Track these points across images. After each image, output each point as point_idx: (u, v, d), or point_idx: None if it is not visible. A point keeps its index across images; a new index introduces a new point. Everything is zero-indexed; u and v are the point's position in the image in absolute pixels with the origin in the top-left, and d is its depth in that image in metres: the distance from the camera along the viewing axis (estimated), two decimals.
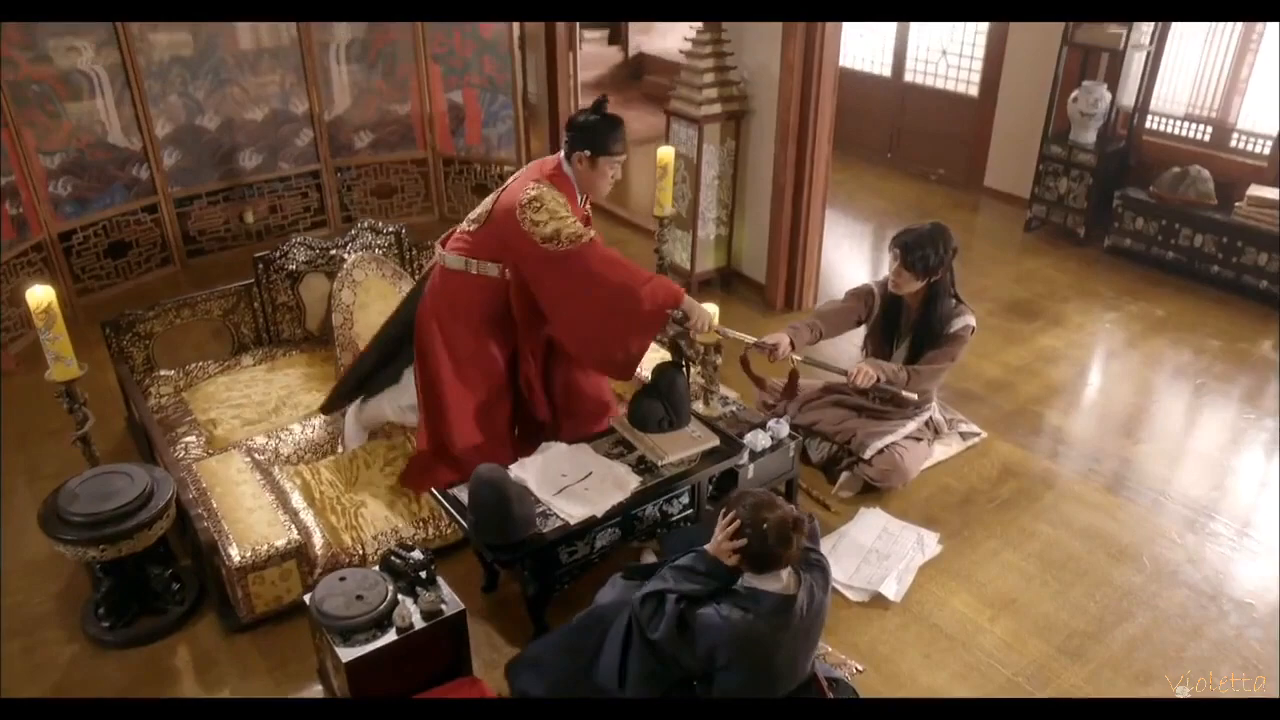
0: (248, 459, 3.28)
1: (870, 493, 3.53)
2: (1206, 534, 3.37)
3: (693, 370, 3.46)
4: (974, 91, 6.38)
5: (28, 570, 3.19)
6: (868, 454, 3.44)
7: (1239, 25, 5.05)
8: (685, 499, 3.06)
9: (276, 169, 5.46)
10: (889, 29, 6.81)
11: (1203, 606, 3.04)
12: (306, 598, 2.65)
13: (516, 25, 5.87)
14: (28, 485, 3.60)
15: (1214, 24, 5.13)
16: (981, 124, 6.30)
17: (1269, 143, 5.03)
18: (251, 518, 2.97)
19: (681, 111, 4.75)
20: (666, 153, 3.94)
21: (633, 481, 2.95)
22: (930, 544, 3.30)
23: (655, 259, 4.28)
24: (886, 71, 6.94)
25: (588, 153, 2.97)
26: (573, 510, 2.82)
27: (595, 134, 2.96)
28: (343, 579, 2.66)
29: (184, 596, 3.01)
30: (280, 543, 2.88)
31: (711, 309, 3.35)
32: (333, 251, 4.11)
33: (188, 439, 3.52)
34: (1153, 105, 5.44)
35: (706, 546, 2.36)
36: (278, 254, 4.03)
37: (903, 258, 3.33)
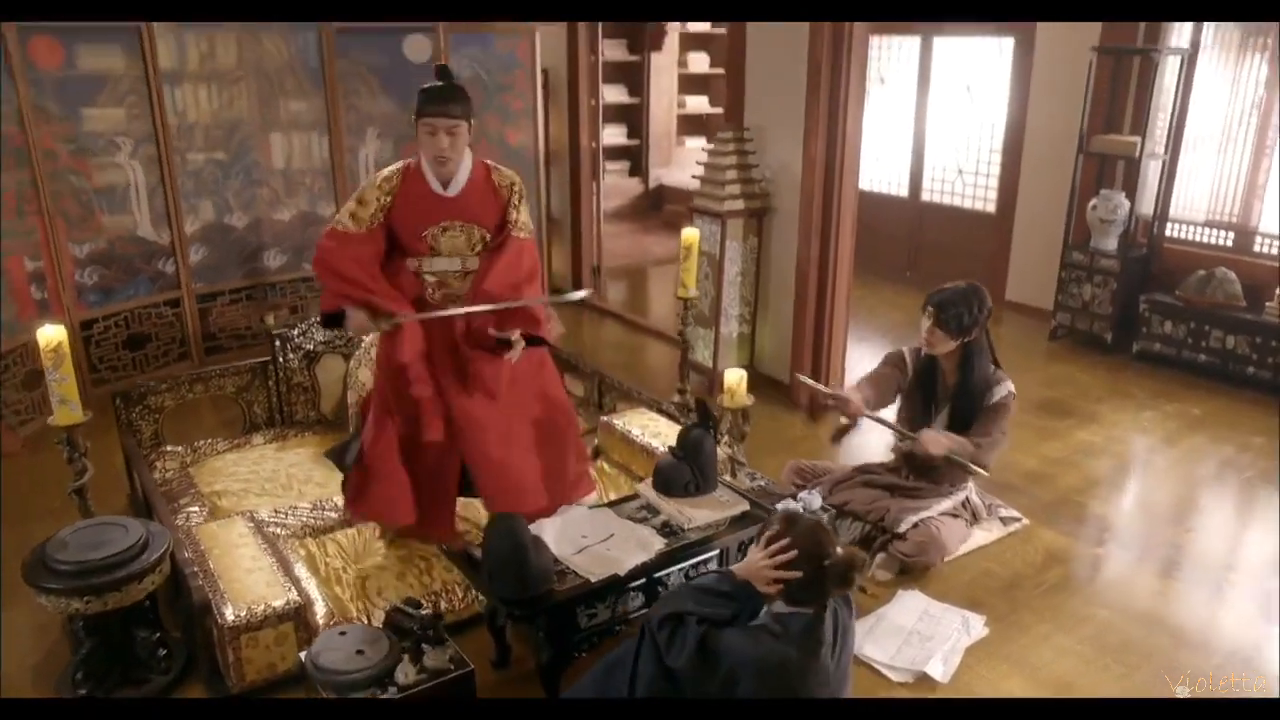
0: (250, 524, 3.11)
1: (907, 575, 3.30)
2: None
3: (720, 441, 3.31)
4: (991, 208, 6.47)
5: (6, 641, 2.98)
6: (902, 528, 3.25)
7: (1251, 131, 5.12)
8: (713, 565, 2.86)
9: (300, 269, 5.51)
10: (905, 150, 6.98)
11: None
12: (302, 654, 2.45)
13: (541, 141, 6.06)
14: (15, 558, 3.41)
15: (1227, 131, 5.21)
16: (1000, 239, 6.34)
17: None
18: (249, 578, 2.78)
19: (705, 208, 4.79)
20: (691, 234, 3.94)
21: (657, 543, 2.77)
22: (976, 626, 3.06)
23: (679, 340, 4.22)
24: (904, 192, 7.08)
25: (414, 118, 2.95)
26: (594, 568, 2.63)
27: (417, 99, 2.92)
28: (343, 633, 2.46)
29: (170, 665, 2.79)
30: (278, 603, 2.68)
31: (737, 374, 3.26)
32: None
33: (190, 509, 3.39)
34: (1172, 212, 5.47)
35: (735, 568, 2.17)
36: (296, 332, 4.00)
37: (936, 316, 3.25)
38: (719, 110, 8.82)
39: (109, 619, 2.65)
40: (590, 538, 2.78)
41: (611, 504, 3.01)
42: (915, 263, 7.10)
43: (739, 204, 4.71)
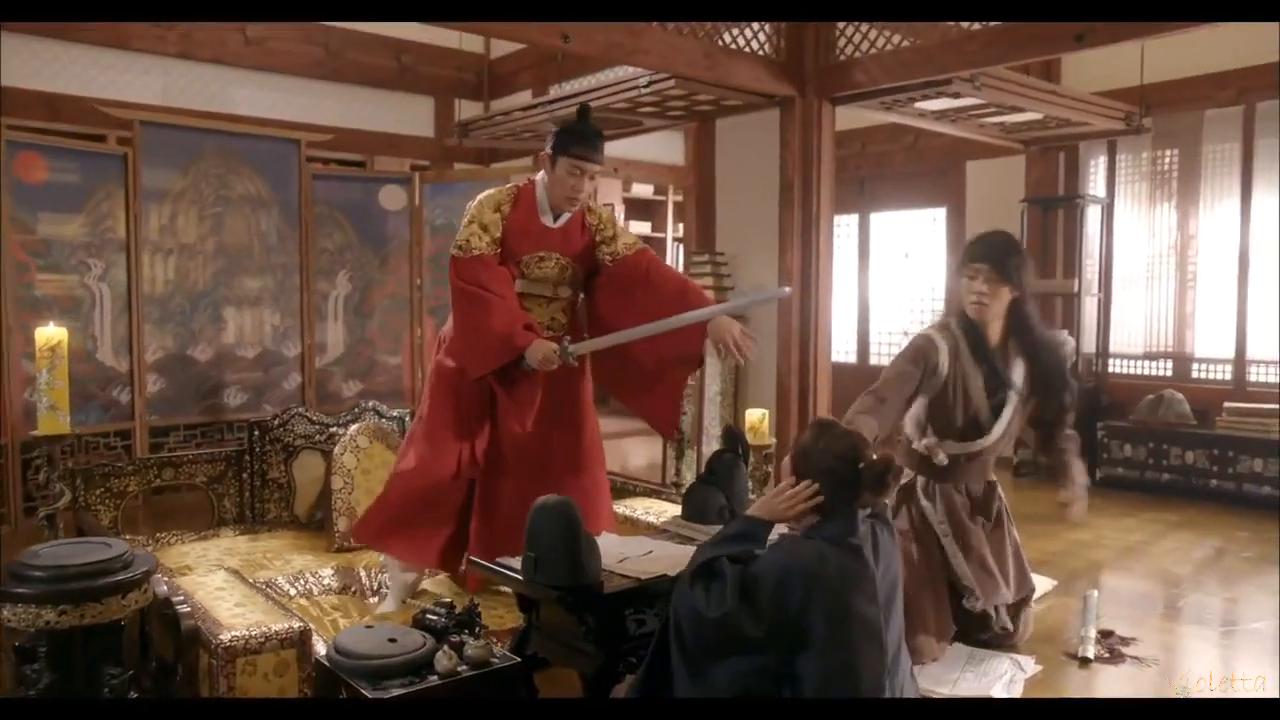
0: (233, 575, 2.80)
1: None
2: None
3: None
4: None
5: None
6: (1022, 631, 3.07)
7: (1173, 269, 5.58)
8: None
9: (260, 409, 5.29)
10: (851, 320, 7.32)
11: None
12: (320, 650, 2.14)
13: None
14: None
15: (1151, 270, 5.67)
16: None
17: (1229, 367, 5.34)
18: (241, 610, 2.48)
19: None
20: None
21: None
22: (1028, 665, 2.89)
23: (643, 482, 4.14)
24: (852, 359, 7.35)
25: (549, 151, 2.95)
26: (642, 569, 2.43)
27: (560, 135, 2.95)
28: (369, 627, 2.18)
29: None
30: (279, 626, 2.37)
31: (760, 412, 3.20)
32: (334, 429, 3.91)
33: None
34: (1112, 348, 5.81)
35: (750, 510, 2.10)
36: (276, 422, 3.80)
37: (996, 266, 2.84)
38: None
39: (76, 644, 2.28)
40: (629, 553, 2.58)
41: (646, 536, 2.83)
42: None
43: None
